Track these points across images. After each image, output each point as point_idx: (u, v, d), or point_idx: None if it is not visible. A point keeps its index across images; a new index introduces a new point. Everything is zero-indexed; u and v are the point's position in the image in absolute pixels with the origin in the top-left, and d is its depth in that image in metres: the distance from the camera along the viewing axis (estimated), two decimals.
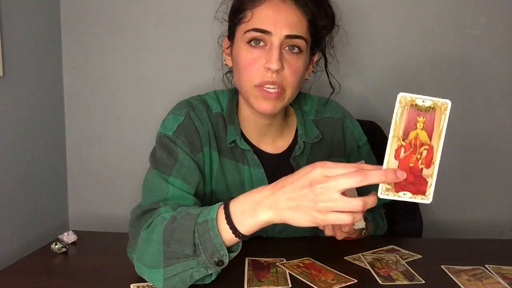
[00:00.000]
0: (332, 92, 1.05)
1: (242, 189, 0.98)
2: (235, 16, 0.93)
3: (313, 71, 1.02)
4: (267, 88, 0.88)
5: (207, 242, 0.73)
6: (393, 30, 1.37)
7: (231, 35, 0.95)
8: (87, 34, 1.43)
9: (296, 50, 0.89)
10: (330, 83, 1.04)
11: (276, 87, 0.88)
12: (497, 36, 1.35)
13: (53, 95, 1.42)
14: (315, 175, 0.67)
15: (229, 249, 0.75)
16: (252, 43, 0.88)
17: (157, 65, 1.43)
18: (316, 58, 1.00)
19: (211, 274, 0.76)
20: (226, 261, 0.74)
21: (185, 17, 1.40)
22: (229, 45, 0.96)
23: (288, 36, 0.87)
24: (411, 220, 1.20)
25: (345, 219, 0.66)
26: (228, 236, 0.73)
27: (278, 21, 0.86)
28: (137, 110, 1.46)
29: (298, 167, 0.95)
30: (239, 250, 0.77)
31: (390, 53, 1.38)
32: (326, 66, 1.03)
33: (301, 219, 0.68)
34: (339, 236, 0.93)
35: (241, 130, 0.99)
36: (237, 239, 0.74)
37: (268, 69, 0.86)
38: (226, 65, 1.00)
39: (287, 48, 0.88)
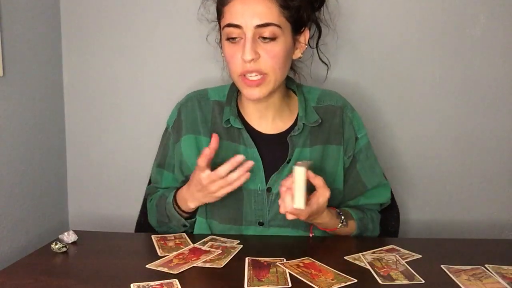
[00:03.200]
0: (328, 69, 1.18)
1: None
2: (218, 14, 1.02)
3: (311, 47, 1.10)
4: (249, 76, 0.97)
5: (173, 215, 1.05)
6: (393, 30, 1.37)
7: (219, 30, 1.03)
8: (87, 34, 1.43)
9: (268, 39, 0.94)
10: (320, 59, 1.15)
11: (256, 74, 0.96)
12: (497, 36, 1.35)
13: (53, 95, 1.42)
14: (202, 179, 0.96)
15: (189, 217, 1.06)
16: (230, 40, 0.96)
17: (157, 64, 1.43)
18: (307, 35, 1.04)
19: (186, 226, 1.07)
20: (187, 224, 1.06)
21: (185, 16, 1.40)
22: (220, 39, 1.04)
23: (259, 26, 0.93)
24: (388, 211, 1.20)
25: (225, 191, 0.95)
26: (179, 212, 1.05)
27: (246, 14, 0.93)
28: (137, 110, 1.46)
29: (294, 146, 1.05)
30: (195, 216, 1.07)
31: (390, 54, 1.37)
32: (317, 42, 1.11)
33: (206, 199, 0.99)
34: (288, 216, 0.93)
35: (239, 112, 1.08)
36: (185, 214, 1.05)
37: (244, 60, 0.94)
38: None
39: (261, 38, 0.94)
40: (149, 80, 1.44)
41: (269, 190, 1.05)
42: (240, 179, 0.94)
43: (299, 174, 0.89)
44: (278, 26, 0.94)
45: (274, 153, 1.06)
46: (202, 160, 0.94)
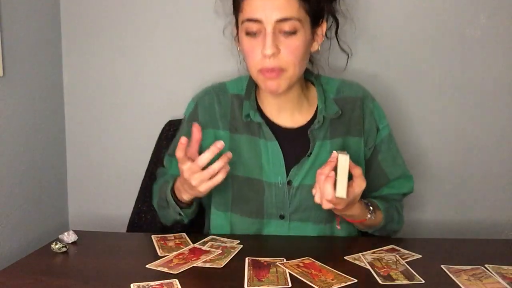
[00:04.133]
0: (348, 57, 1.16)
1: (259, 161, 1.04)
2: (235, 8, 1.01)
3: (327, 37, 1.09)
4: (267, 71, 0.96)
5: (170, 201, 1.03)
6: (392, 30, 1.37)
7: (236, 25, 1.02)
8: (87, 34, 1.43)
9: (288, 33, 0.94)
10: (341, 48, 1.13)
11: (274, 69, 0.95)
12: (497, 36, 1.35)
13: (53, 95, 1.42)
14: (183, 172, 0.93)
15: (185, 206, 1.04)
16: (250, 34, 0.95)
17: (157, 64, 1.43)
18: (325, 27, 1.03)
19: (181, 215, 1.05)
20: (182, 213, 1.04)
21: (185, 16, 1.40)
22: (236, 33, 1.03)
23: (279, 20, 0.92)
24: None
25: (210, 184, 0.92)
26: (176, 201, 1.03)
27: (266, 8, 0.92)
28: (137, 110, 1.46)
29: (315, 140, 1.04)
30: (193, 208, 1.05)
31: (389, 53, 1.37)
32: (336, 32, 1.10)
33: (193, 192, 0.96)
34: (324, 205, 0.91)
35: (258, 106, 1.07)
36: (182, 204, 1.03)
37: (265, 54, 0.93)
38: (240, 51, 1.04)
39: (282, 33, 0.94)
40: (149, 80, 1.44)
41: (289, 183, 1.04)
42: (219, 175, 0.91)
43: (345, 162, 0.88)
44: (298, 20, 0.93)
45: (294, 147, 1.05)
46: (179, 152, 0.90)
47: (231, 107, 1.08)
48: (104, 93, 1.46)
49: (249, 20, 0.94)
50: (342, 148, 1.05)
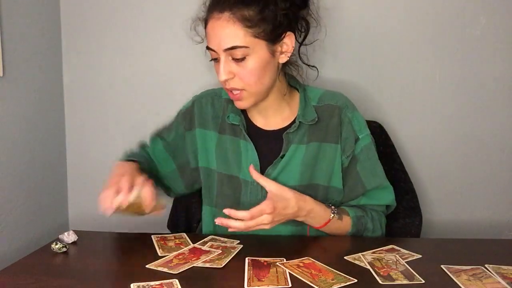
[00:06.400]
0: (318, 73, 1.16)
1: (239, 160, 1.10)
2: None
3: (305, 44, 1.09)
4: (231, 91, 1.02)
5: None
6: (392, 30, 1.37)
7: None
8: (87, 34, 1.43)
9: (239, 59, 0.97)
10: (304, 63, 1.12)
11: (234, 91, 1.01)
12: (497, 36, 1.35)
13: (53, 95, 1.42)
14: None
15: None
16: (213, 60, 1.02)
17: (157, 65, 1.44)
18: (292, 38, 1.02)
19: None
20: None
21: (185, 17, 1.40)
22: None
23: (227, 49, 0.97)
24: (411, 217, 1.21)
25: None
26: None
27: (215, 38, 0.97)
28: (137, 110, 1.46)
29: (289, 142, 1.08)
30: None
31: (389, 53, 1.38)
32: (298, 50, 1.10)
33: None
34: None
35: (242, 110, 1.11)
36: None
37: None
38: None
39: (234, 59, 0.98)
40: (149, 80, 1.44)
41: None
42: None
43: None
44: (245, 47, 0.96)
45: (271, 148, 1.09)
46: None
47: (222, 110, 1.14)
48: (104, 93, 1.46)
49: (208, 48, 1.00)
50: (316, 154, 1.08)
